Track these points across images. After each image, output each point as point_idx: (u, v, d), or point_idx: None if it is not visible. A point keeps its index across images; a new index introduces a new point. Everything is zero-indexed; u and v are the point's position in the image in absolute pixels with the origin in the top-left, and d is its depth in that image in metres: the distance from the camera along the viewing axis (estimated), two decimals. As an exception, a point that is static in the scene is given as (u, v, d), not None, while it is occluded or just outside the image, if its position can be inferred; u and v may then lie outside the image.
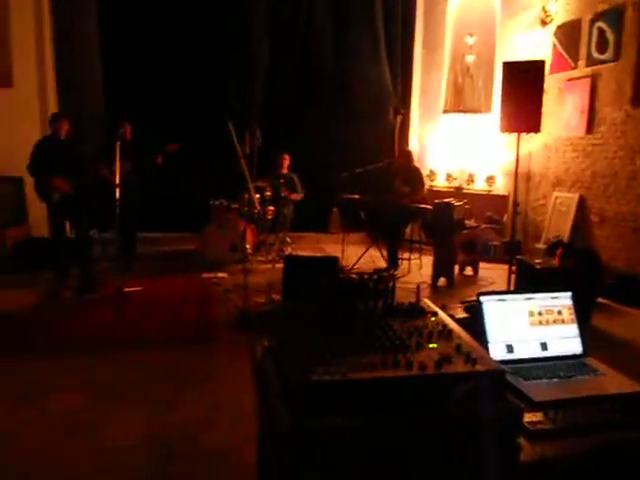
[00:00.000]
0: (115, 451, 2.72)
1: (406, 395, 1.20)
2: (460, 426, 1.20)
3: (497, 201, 7.73)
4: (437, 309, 1.61)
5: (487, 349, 1.70)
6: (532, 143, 7.52)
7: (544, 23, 7.23)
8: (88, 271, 5.35)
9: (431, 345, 1.38)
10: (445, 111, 8.35)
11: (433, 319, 1.55)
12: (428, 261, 6.30)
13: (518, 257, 5.40)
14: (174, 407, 3.19)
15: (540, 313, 1.80)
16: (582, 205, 6.66)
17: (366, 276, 1.72)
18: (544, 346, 1.77)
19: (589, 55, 6.47)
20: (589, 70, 6.49)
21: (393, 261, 6.37)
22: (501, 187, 7.85)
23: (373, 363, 1.24)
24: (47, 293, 5.25)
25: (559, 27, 6.98)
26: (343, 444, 1.12)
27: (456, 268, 6.30)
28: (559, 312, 1.82)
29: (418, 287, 1.71)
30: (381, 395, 1.18)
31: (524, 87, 4.88)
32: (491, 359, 1.33)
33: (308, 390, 1.14)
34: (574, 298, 1.84)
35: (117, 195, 5.29)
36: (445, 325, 1.50)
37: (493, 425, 1.21)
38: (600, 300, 5.14)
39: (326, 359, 1.24)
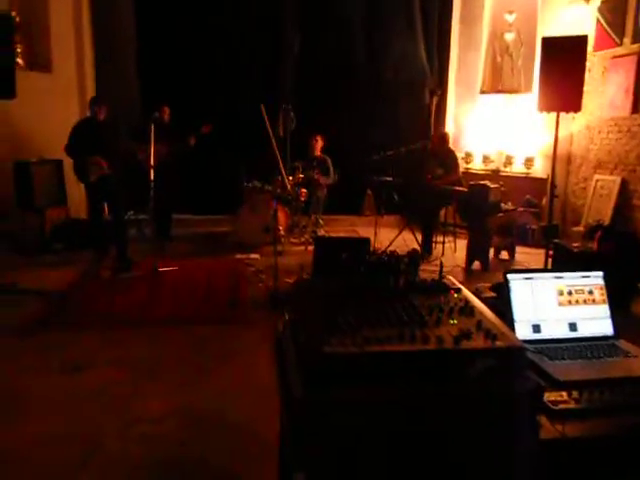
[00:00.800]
0: (145, 422, 2.80)
1: (422, 370, 1.18)
2: (477, 402, 1.18)
3: (536, 184, 7.53)
4: (460, 286, 1.58)
5: (513, 328, 1.66)
6: (574, 124, 7.28)
7: (588, -2, 6.94)
8: (124, 252, 5.47)
9: (451, 321, 1.35)
10: (483, 91, 8.14)
11: (456, 295, 1.52)
12: (462, 245, 6.20)
13: (555, 241, 5.26)
14: (204, 382, 3.26)
15: (570, 293, 1.75)
16: (624, 189, 6.42)
17: (391, 254, 1.70)
18: (573, 326, 1.72)
19: (635, 31, 6.17)
20: (635, 47, 6.20)
21: (427, 245, 6.30)
22: (540, 170, 7.64)
23: (389, 337, 1.23)
24: (86, 273, 5.41)
25: (603, 2, 6.68)
26: (355, 416, 1.11)
27: (492, 252, 6.19)
28: (590, 292, 1.76)
29: (441, 263, 1.67)
30: (396, 369, 1.17)
31: (564, 64, 4.70)
32: (513, 336, 1.30)
33: (321, 361, 1.13)
34: (606, 278, 1.77)
35: (151, 177, 5.37)
36: (467, 302, 1.47)
37: (511, 402, 1.18)
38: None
39: (342, 332, 1.24)
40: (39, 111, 6.34)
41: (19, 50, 6.32)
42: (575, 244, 4.92)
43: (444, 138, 6.69)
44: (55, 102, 6.74)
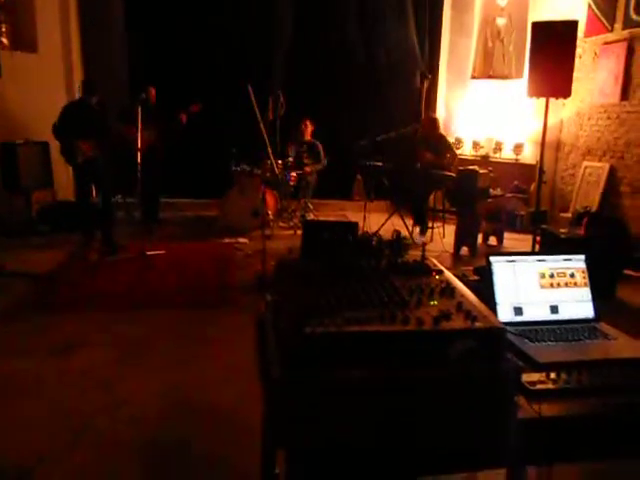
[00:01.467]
0: (132, 404, 2.81)
1: (401, 350, 1.18)
2: (456, 382, 1.18)
3: (525, 170, 7.54)
4: (442, 268, 1.58)
5: (495, 311, 1.67)
6: (564, 111, 7.29)
7: (580, -17, 6.91)
8: (109, 235, 5.44)
9: (432, 302, 1.35)
10: (474, 77, 8.11)
11: (437, 277, 1.52)
12: (451, 230, 6.21)
13: (543, 226, 5.29)
14: (190, 364, 3.27)
15: (552, 275, 1.76)
16: (613, 175, 6.45)
17: (374, 236, 1.70)
18: (554, 309, 1.73)
19: (626, 17, 6.17)
20: (626, 33, 6.20)
21: (422, 224, 6.34)
22: (529, 156, 7.65)
23: (369, 317, 1.23)
24: (73, 255, 5.37)
25: (596, -13, 6.66)
26: (334, 396, 1.12)
27: (480, 237, 6.21)
28: (572, 275, 1.77)
29: (424, 245, 1.67)
30: (375, 349, 1.17)
31: (554, 49, 4.68)
32: (493, 317, 1.30)
33: (301, 342, 1.13)
34: (587, 261, 1.78)
35: (139, 160, 5.32)
36: (449, 283, 1.47)
37: (490, 382, 1.19)
38: (628, 272, 5.01)
39: (322, 312, 1.23)
40: (25, 92, 6.25)
41: (3, 29, 6.21)
42: (563, 230, 4.95)
43: (434, 123, 6.67)
44: (41, 83, 6.64)
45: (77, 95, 5.61)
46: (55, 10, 6.97)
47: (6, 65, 4.94)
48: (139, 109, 5.31)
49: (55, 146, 5.67)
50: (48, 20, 6.85)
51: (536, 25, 4.96)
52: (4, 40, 6.25)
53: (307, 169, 6.96)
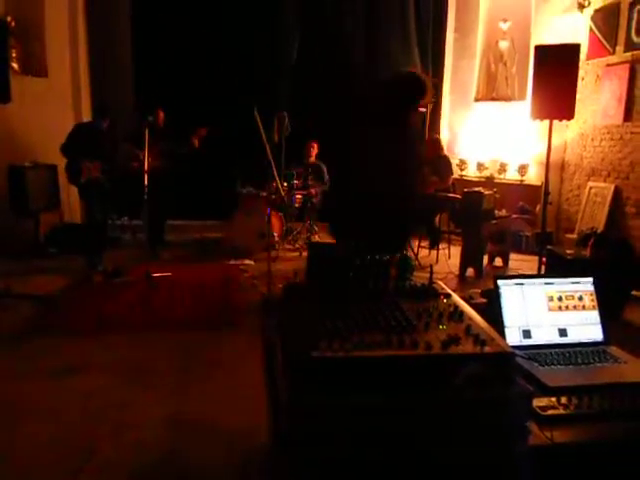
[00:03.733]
0: (137, 428, 2.78)
1: (410, 375, 1.18)
2: (466, 407, 1.18)
3: (530, 191, 7.55)
4: (450, 291, 1.58)
5: (503, 334, 1.66)
6: (568, 132, 7.32)
7: (581, 7, 6.99)
8: (96, 254, 5.52)
9: (440, 326, 1.35)
10: (477, 99, 8.18)
11: (445, 301, 1.52)
12: (456, 251, 6.20)
13: (549, 248, 5.27)
14: (195, 387, 3.25)
15: (560, 298, 1.75)
16: (618, 196, 6.45)
17: (381, 260, 1.70)
18: (563, 332, 1.72)
19: (628, 40, 6.22)
20: (628, 55, 6.24)
21: (434, 240, 6.43)
22: (534, 177, 7.67)
23: (378, 341, 1.22)
24: (78, 277, 5.38)
25: (597, 11, 6.74)
26: (343, 420, 1.11)
27: (486, 259, 6.20)
28: (580, 298, 1.76)
29: (431, 267, 1.67)
30: (384, 374, 1.17)
31: (557, 72, 4.72)
32: (502, 341, 1.30)
33: (308, 366, 1.13)
34: (596, 284, 1.78)
35: (145, 182, 5.36)
36: (457, 307, 1.47)
37: (500, 407, 1.18)
38: (635, 294, 4.97)
39: (330, 336, 1.23)
40: (34, 115, 6.32)
41: (14, 55, 6.31)
42: (569, 251, 4.93)
43: (438, 144, 6.72)
44: (50, 106, 6.73)
45: (85, 118, 5.72)
46: (65, 35, 7.10)
47: (16, 89, 5.01)
48: (146, 132, 5.37)
49: (62, 168, 5.73)
50: (58, 45, 6.96)
51: (539, 48, 5.01)
52: (15, 65, 6.34)
53: (312, 191, 7.00)
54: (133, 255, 5.83)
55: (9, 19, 6.20)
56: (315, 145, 7.32)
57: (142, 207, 5.42)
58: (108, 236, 5.93)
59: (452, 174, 6.68)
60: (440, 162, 6.48)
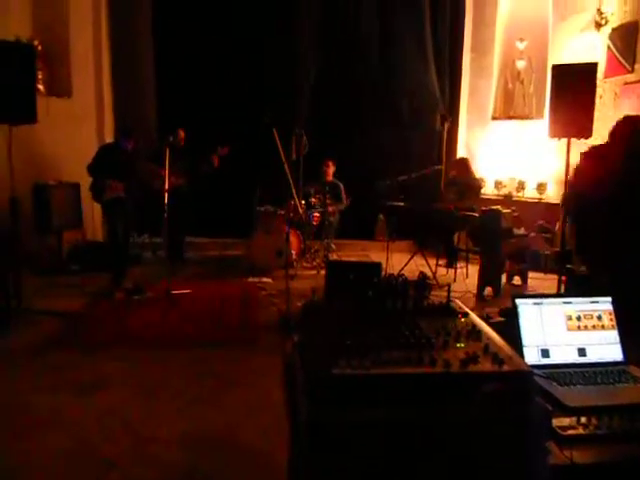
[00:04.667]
0: (157, 444, 2.81)
1: (429, 393, 1.19)
2: (485, 426, 1.18)
3: (549, 209, 7.50)
4: (468, 310, 1.59)
5: (522, 353, 1.66)
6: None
7: (599, 26, 7.00)
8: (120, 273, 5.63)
9: (458, 345, 1.36)
10: (494, 118, 8.20)
11: (463, 320, 1.53)
12: (475, 270, 6.17)
13: (568, 266, 5.22)
14: (214, 405, 3.27)
15: (579, 318, 1.75)
16: (639, 214, 6.38)
17: (399, 278, 1.71)
18: (582, 352, 1.72)
19: (647, 58, 6.22)
20: (647, 74, 6.24)
21: (451, 258, 6.42)
22: (553, 195, 7.62)
23: (397, 359, 1.24)
24: (100, 294, 5.47)
25: (614, 30, 6.75)
26: (362, 439, 1.12)
27: (504, 278, 6.16)
28: (599, 317, 1.76)
29: (449, 286, 1.69)
30: (403, 392, 1.18)
31: (575, 91, 4.73)
32: (520, 360, 1.30)
33: (329, 383, 1.15)
34: (614, 304, 1.77)
35: (165, 201, 5.45)
36: (475, 326, 1.48)
37: (519, 426, 1.18)
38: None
39: (350, 354, 1.25)
40: (58, 135, 6.49)
41: (40, 77, 6.50)
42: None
43: (466, 165, 6.75)
44: (74, 126, 6.90)
45: (108, 137, 5.87)
46: (89, 57, 7.30)
47: (41, 110, 5.16)
48: (167, 151, 5.48)
49: (86, 187, 5.86)
50: (82, 67, 7.16)
51: (556, 68, 5.02)
52: (40, 87, 6.53)
53: (330, 209, 7.04)
54: (153, 272, 5.91)
55: (36, 43, 6.41)
56: (330, 163, 7.39)
57: (162, 225, 5.50)
58: (129, 254, 6.03)
59: (479, 195, 6.67)
60: (469, 183, 6.50)
